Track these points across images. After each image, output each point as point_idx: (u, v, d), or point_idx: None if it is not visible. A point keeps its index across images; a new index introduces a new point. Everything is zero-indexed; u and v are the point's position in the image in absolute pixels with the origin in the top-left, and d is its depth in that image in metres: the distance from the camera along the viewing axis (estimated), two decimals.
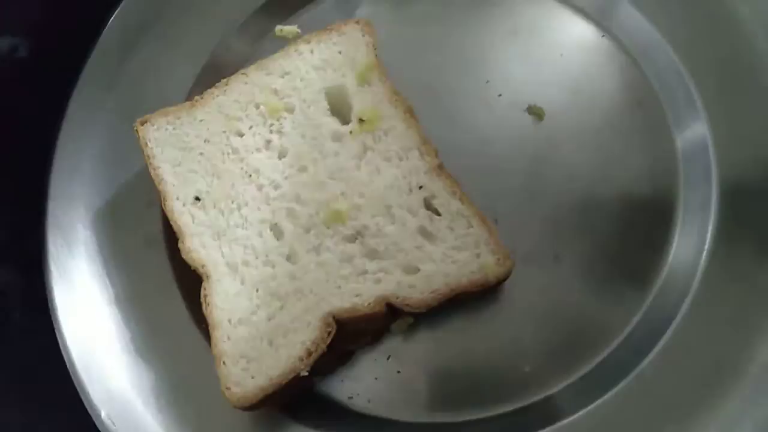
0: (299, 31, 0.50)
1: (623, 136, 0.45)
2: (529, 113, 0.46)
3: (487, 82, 0.47)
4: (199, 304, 0.41)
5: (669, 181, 0.44)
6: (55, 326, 0.44)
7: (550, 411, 0.41)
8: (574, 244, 0.44)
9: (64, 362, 0.43)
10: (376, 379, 0.42)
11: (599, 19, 0.48)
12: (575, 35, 0.48)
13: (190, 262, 0.41)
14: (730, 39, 0.45)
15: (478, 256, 0.40)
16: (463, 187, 0.42)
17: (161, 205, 0.43)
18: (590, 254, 0.43)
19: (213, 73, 0.49)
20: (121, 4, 0.50)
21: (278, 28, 0.50)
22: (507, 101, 0.47)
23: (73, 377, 0.43)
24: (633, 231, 0.44)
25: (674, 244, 0.43)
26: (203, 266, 0.41)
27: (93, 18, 0.52)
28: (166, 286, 0.45)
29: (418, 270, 0.40)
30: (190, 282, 0.43)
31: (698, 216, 0.43)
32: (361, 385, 0.42)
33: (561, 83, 0.47)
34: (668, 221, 0.43)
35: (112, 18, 0.50)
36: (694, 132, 0.44)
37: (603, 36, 0.48)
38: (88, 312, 0.44)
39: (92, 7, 0.54)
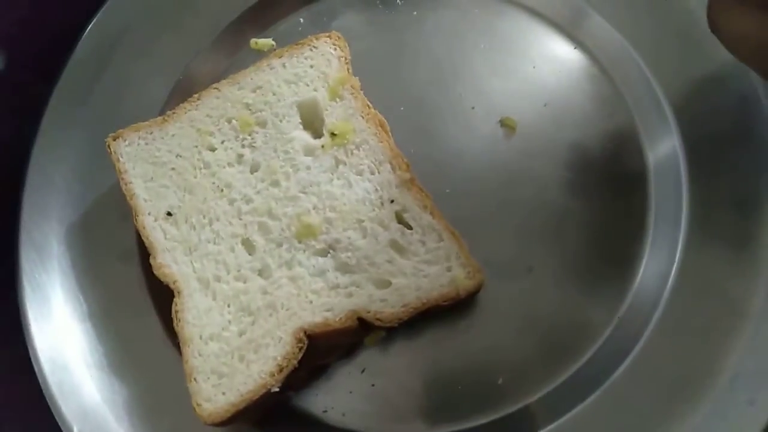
0: (274, 43, 0.50)
1: (595, 148, 0.45)
2: (502, 126, 0.47)
3: (460, 94, 0.47)
4: (172, 320, 0.41)
5: (640, 192, 0.45)
6: (27, 342, 0.44)
7: (525, 422, 0.41)
8: (547, 256, 0.44)
9: (36, 378, 0.43)
10: (350, 392, 0.42)
11: (571, 31, 0.48)
12: (547, 48, 0.48)
13: (161, 277, 0.41)
14: (700, 52, 0.45)
15: (449, 269, 0.40)
16: (436, 199, 0.43)
17: (133, 220, 0.43)
18: (563, 265, 0.43)
19: (189, 87, 0.49)
20: (96, 18, 0.50)
21: (253, 40, 0.51)
22: (480, 114, 0.47)
23: (45, 393, 0.42)
24: (605, 242, 0.44)
25: (646, 255, 0.43)
26: (175, 282, 0.41)
27: (68, 31, 0.52)
28: (140, 301, 0.44)
29: (389, 284, 0.40)
30: (163, 297, 0.43)
31: (669, 227, 0.43)
32: (336, 398, 0.42)
33: (533, 96, 0.47)
34: (640, 232, 0.44)
35: (86, 31, 0.50)
36: (665, 145, 0.45)
37: (575, 48, 0.48)
38: (61, 327, 0.44)
39: (67, 20, 0.54)
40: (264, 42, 0.51)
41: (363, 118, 0.43)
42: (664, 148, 0.45)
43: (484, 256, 0.42)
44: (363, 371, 0.43)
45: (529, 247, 0.44)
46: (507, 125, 0.46)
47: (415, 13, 0.50)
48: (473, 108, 0.47)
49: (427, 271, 0.40)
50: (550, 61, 0.48)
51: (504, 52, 0.48)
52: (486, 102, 0.47)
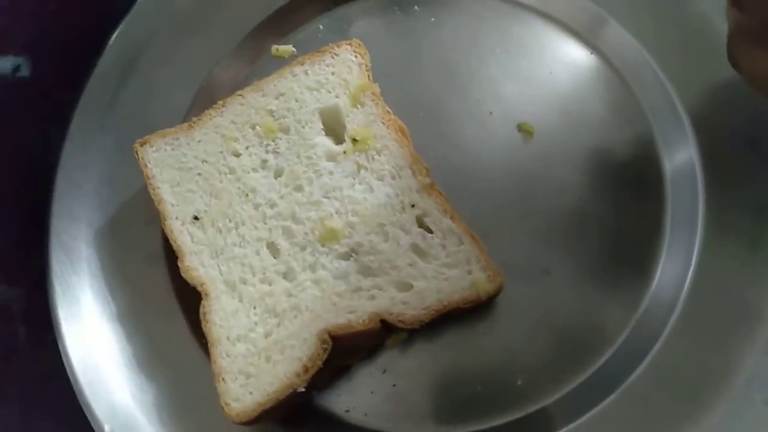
0: (295, 50, 0.51)
1: (612, 153, 0.46)
2: (519, 130, 0.47)
3: (478, 100, 0.48)
4: (200, 320, 0.42)
5: (657, 196, 0.45)
6: (58, 342, 0.45)
7: (543, 423, 0.42)
8: (564, 259, 0.44)
9: (68, 378, 0.44)
10: (372, 392, 0.43)
11: (588, 37, 0.49)
12: (564, 53, 0.49)
13: (189, 280, 0.42)
14: (717, 58, 0.44)
15: (469, 272, 0.41)
16: (454, 203, 0.44)
17: (161, 224, 0.44)
18: (580, 269, 0.44)
19: (212, 93, 0.50)
20: (121, 25, 0.51)
21: (274, 47, 0.52)
22: (497, 119, 0.48)
23: (77, 392, 0.44)
24: (622, 245, 0.44)
25: (662, 258, 0.44)
26: (202, 284, 0.42)
27: (91, 38, 0.53)
28: (167, 302, 0.45)
29: (411, 287, 0.41)
30: (190, 298, 0.44)
31: (686, 230, 0.44)
32: (358, 398, 0.43)
33: (550, 101, 0.48)
34: (656, 235, 0.44)
35: (112, 39, 0.51)
36: (682, 149, 0.45)
37: (591, 54, 0.49)
38: (91, 328, 0.45)
39: (91, 27, 0.55)
40: (285, 48, 0.52)
41: (383, 124, 0.44)
42: (680, 153, 0.45)
43: (503, 258, 0.43)
44: (384, 372, 0.44)
45: (547, 250, 0.45)
46: (524, 130, 0.47)
47: (432, 19, 0.51)
48: (491, 113, 0.48)
49: (448, 274, 0.41)
50: (566, 67, 0.48)
51: (521, 57, 0.49)
52: (503, 107, 0.48)
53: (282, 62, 0.51)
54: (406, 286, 0.41)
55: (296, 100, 0.45)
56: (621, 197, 0.45)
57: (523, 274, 0.44)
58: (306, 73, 0.46)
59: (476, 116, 0.48)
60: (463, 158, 0.47)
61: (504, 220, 0.45)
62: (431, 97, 0.49)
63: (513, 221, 0.45)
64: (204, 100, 0.50)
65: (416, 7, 0.51)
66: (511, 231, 0.45)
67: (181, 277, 0.43)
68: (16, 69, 0.57)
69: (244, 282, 0.42)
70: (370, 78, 0.46)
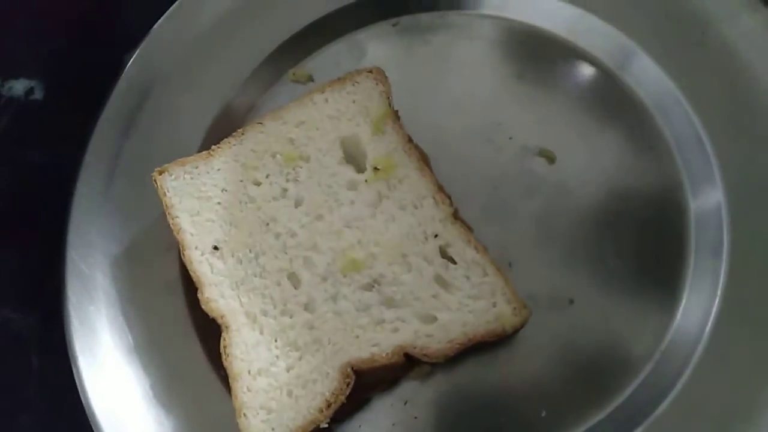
0: (311, 74, 0.51)
1: (635, 182, 0.46)
2: (541, 156, 0.47)
3: (499, 125, 0.48)
4: (218, 350, 0.41)
5: (682, 226, 0.45)
6: (74, 372, 0.44)
7: None
8: (587, 288, 0.44)
9: (82, 408, 0.43)
10: (393, 424, 0.43)
11: (613, 66, 0.48)
12: (588, 81, 0.48)
13: (209, 312, 0.42)
14: (746, 95, 0.45)
15: (494, 305, 0.40)
16: (476, 230, 0.43)
17: (179, 252, 0.44)
18: (604, 298, 0.44)
19: (229, 117, 0.50)
20: (137, 51, 0.51)
21: (291, 72, 0.51)
22: (518, 144, 0.47)
23: (92, 425, 0.43)
24: (646, 275, 0.44)
25: (687, 288, 0.43)
26: (222, 317, 0.41)
27: (109, 62, 0.53)
28: (185, 332, 0.45)
29: (435, 319, 0.40)
30: (208, 328, 0.43)
31: (711, 261, 0.43)
32: (379, 430, 0.43)
33: (571, 127, 0.47)
34: (681, 265, 0.44)
35: (128, 64, 0.51)
36: (707, 181, 0.45)
37: (616, 82, 0.48)
38: (107, 358, 0.45)
39: (108, 52, 0.55)
40: (302, 73, 0.51)
41: (405, 152, 0.44)
42: (705, 185, 0.45)
43: (525, 287, 0.43)
44: (406, 403, 0.43)
45: (570, 279, 0.44)
46: (546, 156, 0.47)
47: (452, 44, 0.51)
48: (511, 138, 0.48)
49: (473, 306, 0.40)
50: (590, 94, 0.48)
51: (542, 82, 0.48)
52: (524, 133, 0.47)
53: (299, 87, 0.51)
54: (430, 319, 0.41)
55: (317, 128, 0.45)
56: (645, 225, 0.45)
57: (547, 303, 0.44)
58: (326, 101, 0.45)
59: (497, 141, 0.48)
60: (484, 183, 0.47)
61: (526, 248, 0.45)
62: (451, 121, 0.48)
63: (535, 249, 0.45)
64: (221, 125, 0.49)
65: (434, 32, 0.51)
66: (533, 259, 0.45)
67: (199, 306, 0.43)
68: (29, 92, 0.57)
69: (265, 314, 0.41)
70: (392, 106, 0.45)
